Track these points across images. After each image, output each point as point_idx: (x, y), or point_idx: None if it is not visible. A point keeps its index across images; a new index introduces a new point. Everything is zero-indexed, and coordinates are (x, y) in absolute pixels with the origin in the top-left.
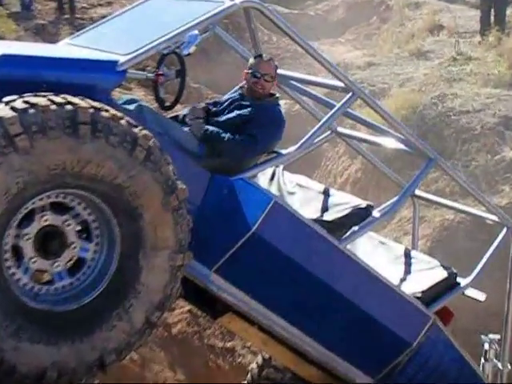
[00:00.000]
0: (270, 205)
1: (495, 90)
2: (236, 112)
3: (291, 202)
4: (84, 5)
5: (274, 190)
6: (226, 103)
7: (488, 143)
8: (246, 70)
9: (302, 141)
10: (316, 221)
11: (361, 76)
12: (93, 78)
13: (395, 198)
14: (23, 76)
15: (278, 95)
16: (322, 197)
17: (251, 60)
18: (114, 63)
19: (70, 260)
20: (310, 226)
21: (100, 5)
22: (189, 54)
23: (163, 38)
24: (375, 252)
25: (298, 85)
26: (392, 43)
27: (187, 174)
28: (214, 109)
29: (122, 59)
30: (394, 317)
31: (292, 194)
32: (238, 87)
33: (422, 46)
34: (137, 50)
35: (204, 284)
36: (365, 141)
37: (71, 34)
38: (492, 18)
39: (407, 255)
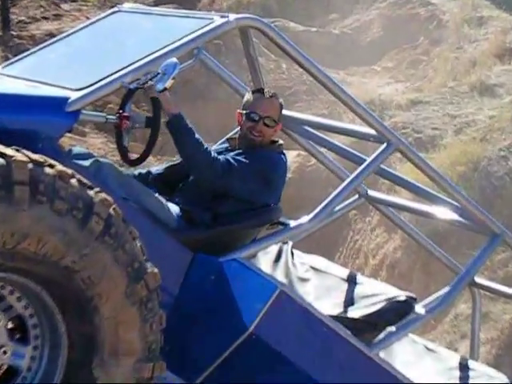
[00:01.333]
0: (274, 296)
1: None
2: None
3: (303, 291)
4: (22, 18)
5: (279, 274)
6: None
7: None
8: (239, 110)
9: (318, 208)
10: (337, 318)
11: (402, 119)
12: (34, 121)
13: (447, 288)
14: None
15: (281, 142)
16: (345, 285)
17: (247, 96)
18: (63, 102)
19: None
20: (328, 325)
21: (45, 18)
22: (164, 90)
23: (130, 68)
24: (420, 362)
25: (315, 132)
26: (446, 73)
27: (160, 253)
28: None
29: (73, 96)
30: None
31: (305, 280)
32: (224, 139)
33: (488, 77)
34: (94, 84)
35: None
36: (406, 209)
37: (5, 59)
38: None
39: (464, 367)
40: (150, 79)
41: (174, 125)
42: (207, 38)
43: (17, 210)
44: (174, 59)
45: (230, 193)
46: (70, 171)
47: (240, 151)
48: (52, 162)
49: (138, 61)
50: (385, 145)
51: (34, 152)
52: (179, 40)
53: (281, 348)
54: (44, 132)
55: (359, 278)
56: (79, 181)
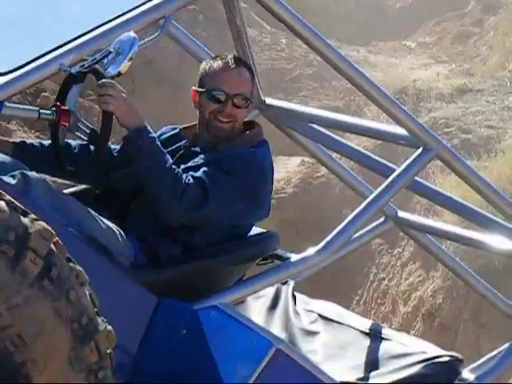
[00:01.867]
0: (269, 356)
1: None
2: (196, 161)
3: (309, 349)
4: None
5: (275, 326)
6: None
7: None
8: (195, 88)
9: (330, 236)
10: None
11: (445, 114)
12: None
13: (506, 346)
14: None
15: (259, 126)
16: (366, 342)
17: (206, 66)
18: None
19: None
20: None
21: None
22: (119, 75)
23: (71, 45)
24: None
25: (326, 132)
26: (505, 52)
27: (115, 300)
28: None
29: None
30: None
31: (311, 334)
32: (178, 128)
33: None
34: (22, 67)
35: None
36: (449, 236)
37: None
38: None
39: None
40: (99, 60)
41: (135, 142)
42: (176, 4)
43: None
44: (132, 33)
45: (208, 223)
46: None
47: (206, 155)
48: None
49: (82, 35)
50: (420, 150)
51: None
52: (138, 7)
53: None
54: None
55: (385, 331)
56: (10, 204)
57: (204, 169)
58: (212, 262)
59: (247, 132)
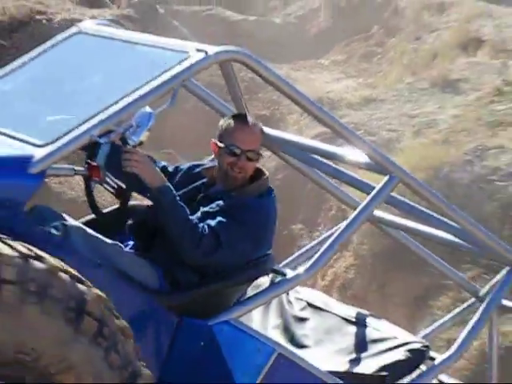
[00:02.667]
0: (272, 360)
1: None
2: (213, 206)
3: (301, 334)
4: None
5: (273, 315)
6: (188, 192)
7: None
8: (215, 141)
9: (317, 255)
10: (344, 374)
11: (354, 119)
12: (4, 189)
13: (469, 328)
14: None
15: (266, 175)
16: (348, 327)
17: (225, 123)
18: (26, 162)
19: None
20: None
21: None
22: (140, 144)
23: (99, 118)
24: None
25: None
26: (403, 67)
27: (143, 321)
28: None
29: (37, 154)
30: None
31: (302, 321)
32: (201, 167)
33: (450, 71)
34: (59, 139)
35: None
36: (419, 233)
37: None
38: None
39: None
40: (123, 133)
41: (158, 200)
42: (182, 77)
43: (4, 314)
44: (148, 109)
45: (221, 264)
46: (60, 264)
47: (221, 202)
48: (40, 253)
49: (107, 107)
50: (388, 177)
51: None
52: (151, 81)
53: None
54: (7, 199)
55: (362, 316)
56: (70, 275)
57: (219, 218)
58: (222, 284)
59: (256, 181)
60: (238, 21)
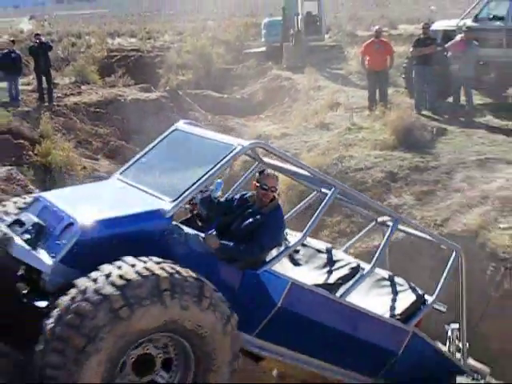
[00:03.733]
0: (288, 286)
1: (381, 152)
2: (248, 220)
3: (297, 258)
4: (59, 95)
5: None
6: (239, 209)
7: (378, 193)
8: (254, 182)
9: (305, 229)
10: (321, 285)
11: (278, 144)
12: (149, 226)
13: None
14: (99, 238)
15: (277, 198)
16: (322, 255)
17: (259, 174)
18: (164, 212)
19: (149, 380)
20: (317, 292)
21: (72, 94)
22: (217, 198)
23: (196, 185)
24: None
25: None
26: (301, 118)
27: (227, 276)
28: (227, 206)
29: (169, 207)
30: (384, 338)
31: (297, 251)
32: (247, 195)
33: (324, 119)
34: (179, 197)
35: (248, 347)
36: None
37: (51, 119)
38: (377, 95)
39: (387, 279)
40: (207, 191)
41: (221, 254)
42: (232, 160)
43: (165, 308)
44: (219, 180)
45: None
46: (191, 273)
47: (256, 211)
48: (179, 269)
49: (199, 179)
50: (333, 189)
51: (151, 242)
52: (217, 164)
53: (296, 310)
54: (155, 232)
55: (330, 249)
56: (193, 277)
57: (261, 230)
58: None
59: (273, 201)
60: (217, 97)
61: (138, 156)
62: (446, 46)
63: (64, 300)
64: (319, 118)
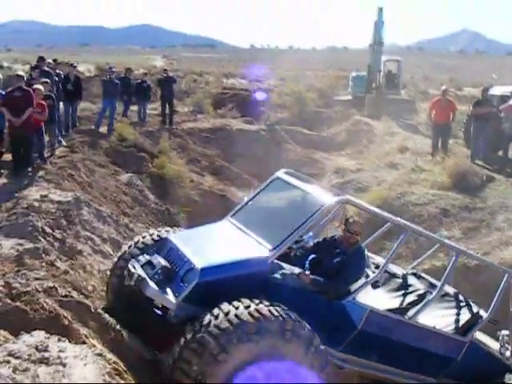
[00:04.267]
0: (367, 312)
1: (438, 191)
2: (336, 259)
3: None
4: (178, 120)
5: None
6: (328, 248)
7: (431, 225)
8: (342, 226)
9: (383, 265)
10: (394, 310)
11: (353, 177)
12: (255, 273)
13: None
14: (214, 280)
15: (359, 240)
16: (396, 280)
17: (346, 222)
18: (266, 259)
19: None
20: (390, 316)
21: (189, 121)
22: (314, 242)
23: (292, 237)
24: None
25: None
26: (374, 157)
27: (318, 306)
28: (318, 247)
29: (270, 255)
30: (446, 348)
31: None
32: (336, 235)
33: (394, 160)
34: (278, 246)
35: (333, 360)
36: None
37: (169, 139)
38: (439, 144)
39: (449, 295)
40: (302, 241)
41: (313, 287)
42: (321, 214)
43: (253, 344)
44: (310, 233)
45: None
46: (284, 312)
47: (343, 250)
48: (275, 311)
49: (292, 232)
50: (405, 233)
51: (256, 284)
52: (309, 218)
53: (373, 331)
54: (258, 274)
55: (408, 276)
56: (289, 315)
57: (346, 267)
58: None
59: (357, 242)
60: (308, 134)
61: (245, 200)
62: (501, 108)
63: (189, 330)
64: (389, 158)
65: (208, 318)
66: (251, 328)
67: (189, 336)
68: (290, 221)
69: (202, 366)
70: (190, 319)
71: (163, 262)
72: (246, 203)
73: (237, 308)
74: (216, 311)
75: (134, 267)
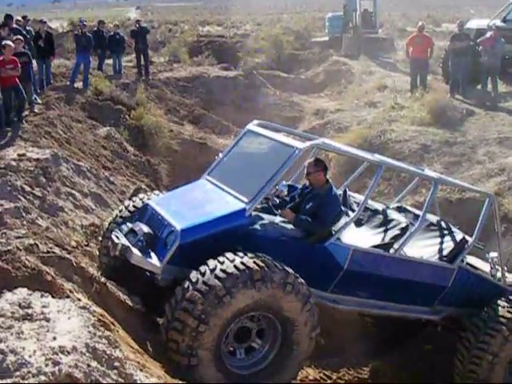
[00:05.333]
0: (351, 252)
1: (418, 128)
2: (310, 203)
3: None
4: (154, 71)
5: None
6: (302, 194)
7: (413, 161)
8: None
9: (362, 202)
10: (378, 246)
11: (333, 118)
12: (234, 226)
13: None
14: (195, 240)
15: (328, 179)
16: (379, 216)
17: (307, 163)
18: (244, 211)
19: (247, 346)
20: (375, 253)
21: (165, 70)
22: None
23: (267, 187)
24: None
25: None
26: (353, 97)
27: (301, 250)
28: (292, 194)
29: (247, 207)
30: (435, 277)
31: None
32: (307, 184)
33: (373, 98)
34: (254, 198)
35: (324, 302)
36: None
37: (146, 90)
38: (418, 81)
39: (434, 224)
40: (277, 190)
41: (296, 225)
42: (294, 161)
43: (257, 293)
44: (284, 182)
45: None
46: (277, 265)
47: (316, 193)
48: (268, 262)
49: (267, 183)
50: (380, 168)
51: (237, 236)
52: (282, 167)
53: (359, 269)
54: (238, 228)
55: (387, 210)
56: (281, 269)
57: (322, 209)
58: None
59: (327, 183)
60: (285, 77)
61: (219, 157)
62: (478, 41)
63: (179, 290)
64: (368, 97)
65: (213, 263)
66: (256, 275)
67: (194, 279)
68: (265, 171)
69: (206, 305)
70: (178, 281)
71: (145, 229)
72: (221, 160)
73: (242, 257)
74: (221, 258)
75: (118, 237)
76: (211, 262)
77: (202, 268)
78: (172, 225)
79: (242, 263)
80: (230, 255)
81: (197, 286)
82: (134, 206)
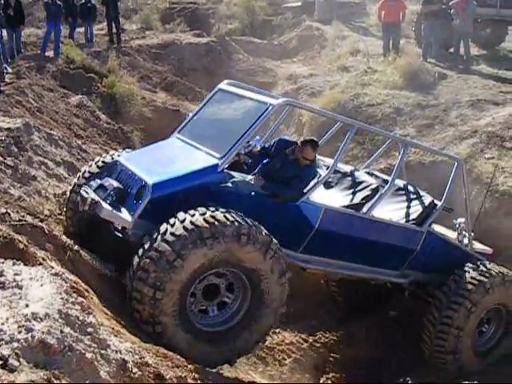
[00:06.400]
0: (322, 211)
1: (391, 91)
2: (289, 170)
3: (328, 181)
4: (126, 38)
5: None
6: (278, 154)
7: (386, 125)
8: (299, 148)
9: (332, 163)
10: (349, 206)
11: (306, 82)
12: (205, 181)
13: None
14: (166, 195)
15: (316, 159)
16: (348, 178)
17: (302, 145)
18: (216, 167)
19: (219, 302)
20: (346, 212)
21: (137, 38)
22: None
23: (240, 143)
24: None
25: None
26: (326, 61)
27: (272, 209)
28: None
29: (220, 162)
30: (404, 240)
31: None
32: (285, 138)
33: (346, 63)
34: (227, 154)
35: (295, 262)
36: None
37: (118, 57)
38: (390, 45)
39: (403, 188)
40: (248, 146)
41: (265, 191)
42: (267, 117)
43: (210, 250)
44: (257, 137)
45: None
46: (229, 218)
47: (297, 167)
48: (219, 217)
49: (240, 138)
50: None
51: (210, 192)
52: (255, 123)
53: (330, 228)
54: (210, 184)
55: (355, 172)
56: (232, 221)
57: (299, 178)
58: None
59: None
60: (258, 43)
61: (190, 116)
62: (450, 4)
63: (136, 258)
64: (341, 62)
65: (164, 226)
66: (206, 233)
67: (146, 246)
68: (237, 128)
69: (159, 272)
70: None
71: (115, 184)
72: (191, 118)
73: (192, 215)
74: (172, 220)
75: (87, 192)
76: (162, 226)
77: (154, 233)
78: (143, 179)
79: (192, 222)
80: (181, 215)
81: (148, 254)
82: (103, 162)
